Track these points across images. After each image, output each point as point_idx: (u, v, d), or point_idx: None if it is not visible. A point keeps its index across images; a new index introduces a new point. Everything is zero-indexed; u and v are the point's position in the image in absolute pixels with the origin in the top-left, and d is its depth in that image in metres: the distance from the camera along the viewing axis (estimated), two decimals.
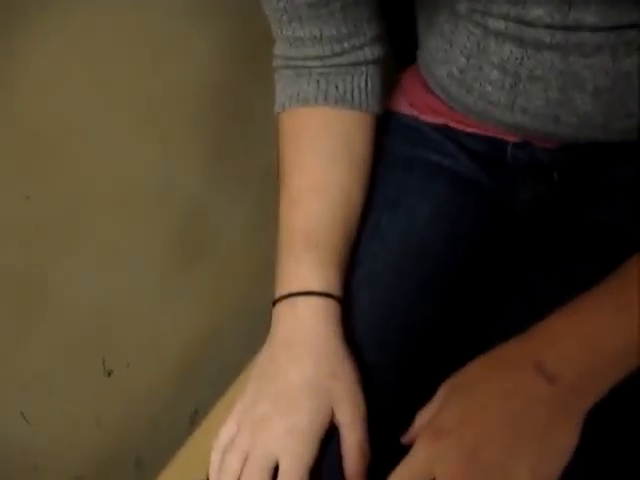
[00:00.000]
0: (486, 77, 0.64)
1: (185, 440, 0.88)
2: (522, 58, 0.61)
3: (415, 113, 0.73)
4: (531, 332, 0.52)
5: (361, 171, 0.67)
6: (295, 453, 0.54)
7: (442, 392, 0.53)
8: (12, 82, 0.62)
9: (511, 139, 0.68)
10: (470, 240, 0.69)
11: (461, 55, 0.65)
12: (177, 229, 0.85)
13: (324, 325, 0.59)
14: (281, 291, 0.61)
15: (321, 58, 0.66)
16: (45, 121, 0.66)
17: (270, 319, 0.61)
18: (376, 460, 0.55)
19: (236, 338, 0.97)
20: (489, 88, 0.64)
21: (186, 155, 0.83)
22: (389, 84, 0.73)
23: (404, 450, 0.51)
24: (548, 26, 0.58)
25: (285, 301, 0.60)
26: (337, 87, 0.66)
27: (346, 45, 0.65)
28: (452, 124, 0.71)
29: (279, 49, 0.68)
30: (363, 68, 0.67)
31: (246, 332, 0.91)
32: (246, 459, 0.54)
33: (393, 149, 0.72)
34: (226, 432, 0.57)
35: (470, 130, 0.70)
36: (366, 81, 0.67)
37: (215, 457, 0.56)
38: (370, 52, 0.67)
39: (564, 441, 0.49)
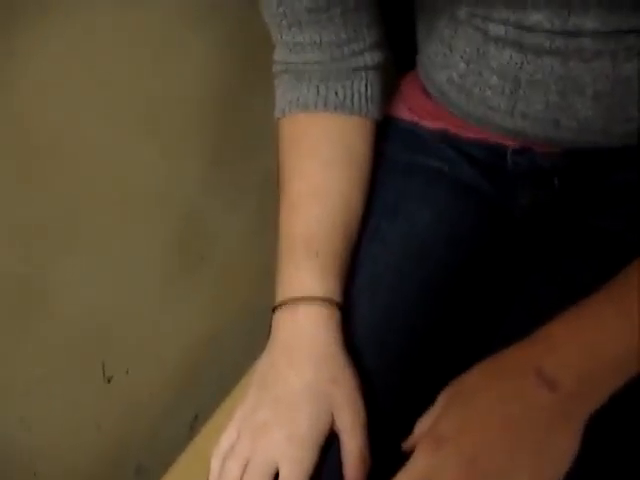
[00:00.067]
0: (486, 82, 0.64)
1: (185, 446, 0.87)
2: (522, 63, 0.61)
3: (415, 118, 0.73)
4: (531, 339, 0.52)
5: (361, 177, 0.67)
6: (295, 459, 0.54)
7: (442, 399, 0.53)
8: (12, 82, 0.62)
9: (511, 144, 0.67)
10: (471, 243, 0.69)
11: (461, 60, 0.65)
12: (177, 233, 0.85)
13: (324, 331, 0.58)
14: (281, 297, 0.61)
15: (321, 63, 0.66)
16: (45, 121, 0.66)
17: (270, 325, 0.61)
18: (376, 466, 0.55)
19: (236, 344, 0.97)
20: (489, 93, 0.64)
21: (186, 155, 0.83)
22: (389, 90, 0.73)
23: (404, 456, 0.51)
24: (548, 31, 0.58)
25: (285, 307, 0.60)
26: (337, 93, 0.66)
27: (346, 51, 0.65)
28: (452, 129, 0.70)
29: (279, 54, 0.68)
30: (363, 74, 0.67)
31: (246, 338, 0.90)
32: (246, 466, 0.54)
33: (393, 155, 0.72)
34: (226, 438, 0.56)
35: (470, 135, 0.70)
36: (366, 87, 0.67)
37: (215, 464, 0.56)
38: (370, 58, 0.67)
39: (565, 447, 0.49)
